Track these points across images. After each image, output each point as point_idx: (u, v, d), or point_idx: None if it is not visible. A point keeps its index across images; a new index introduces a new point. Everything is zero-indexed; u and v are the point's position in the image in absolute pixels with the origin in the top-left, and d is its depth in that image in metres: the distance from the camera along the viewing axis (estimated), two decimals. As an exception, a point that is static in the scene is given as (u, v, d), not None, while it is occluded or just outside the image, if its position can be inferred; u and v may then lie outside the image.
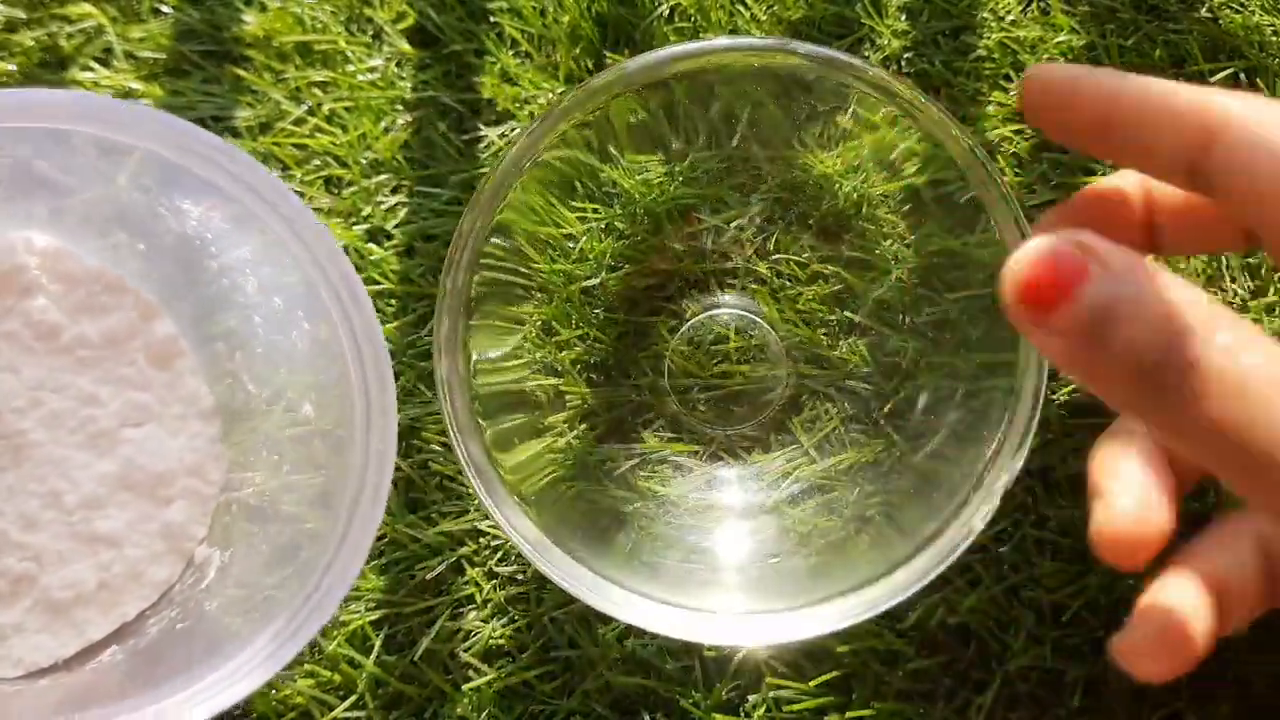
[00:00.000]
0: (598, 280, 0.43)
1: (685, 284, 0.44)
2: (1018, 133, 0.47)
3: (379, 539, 0.42)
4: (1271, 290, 0.45)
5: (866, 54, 0.48)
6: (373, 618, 0.41)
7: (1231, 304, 0.45)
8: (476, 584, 0.42)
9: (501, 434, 0.39)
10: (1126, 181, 0.32)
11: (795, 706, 0.41)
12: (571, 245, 0.42)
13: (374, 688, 0.41)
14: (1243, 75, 0.47)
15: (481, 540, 0.42)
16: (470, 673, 0.41)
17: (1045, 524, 0.42)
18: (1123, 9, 0.48)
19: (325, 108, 0.47)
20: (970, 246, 0.39)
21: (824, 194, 0.43)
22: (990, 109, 0.47)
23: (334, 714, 0.41)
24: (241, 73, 0.47)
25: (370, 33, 0.48)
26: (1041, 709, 0.41)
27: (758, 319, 0.44)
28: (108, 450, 0.37)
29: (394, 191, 0.46)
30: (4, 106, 0.31)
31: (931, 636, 0.41)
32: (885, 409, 0.42)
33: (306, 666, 0.41)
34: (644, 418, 0.43)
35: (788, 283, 0.44)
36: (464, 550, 0.42)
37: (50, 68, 0.47)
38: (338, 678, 0.41)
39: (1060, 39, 0.48)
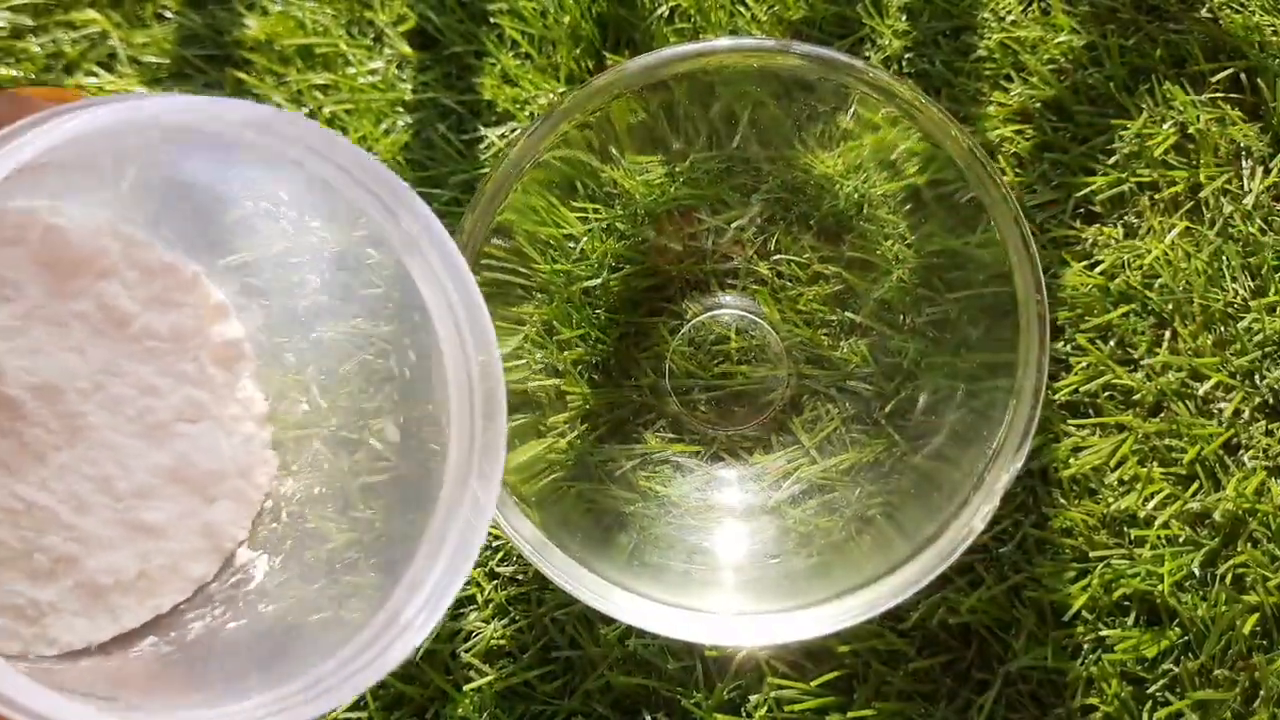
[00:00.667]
0: (599, 281, 0.43)
1: (686, 284, 0.44)
2: (1018, 133, 0.47)
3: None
4: (1272, 290, 0.45)
5: (867, 54, 0.48)
6: (374, 618, 0.42)
7: (1232, 304, 0.45)
8: (478, 584, 0.42)
9: (502, 434, 0.39)
10: None
11: (797, 706, 0.41)
12: (572, 246, 0.42)
13: (375, 688, 0.41)
14: (1243, 75, 0.47)
15: (483, 541, 0.43)
16: (471, 673, 0.41)
17: (1046, 524, 0.42)
18: (1123, 9, 0.48)
19: (326, 110, 0.47)
20: (971, 246, 0.39)
21: (824, 194, 0.43)
22: (991, 109, 0.47)
23: (334, 714, 0.41)
24: (243, 76, 0.47)
25: (371, 35, 0.48)
26: (1043, 709, 0.41)
27: (758, 319, 0.44)
28: (162, 442, 0.37)
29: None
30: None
31: (933, 636, 0.41)
32: (886, 409, 0.42)
33: (308, 667, 0.41)
34: (645, 418, 0.43)
35: (788, 283, 0.44)
36: (465, 551, 0.42)
37: (55, 73, 0.48)
38: (339, 678, 0.41)
39: (1061, 39, 0.48)
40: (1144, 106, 0.47)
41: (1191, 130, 0.46)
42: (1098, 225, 0.46)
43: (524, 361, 0.41)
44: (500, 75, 0.48)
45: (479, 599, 0.42)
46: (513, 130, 0.47)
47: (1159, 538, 0.42)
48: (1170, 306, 0.45)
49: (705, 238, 0.44)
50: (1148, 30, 0.48)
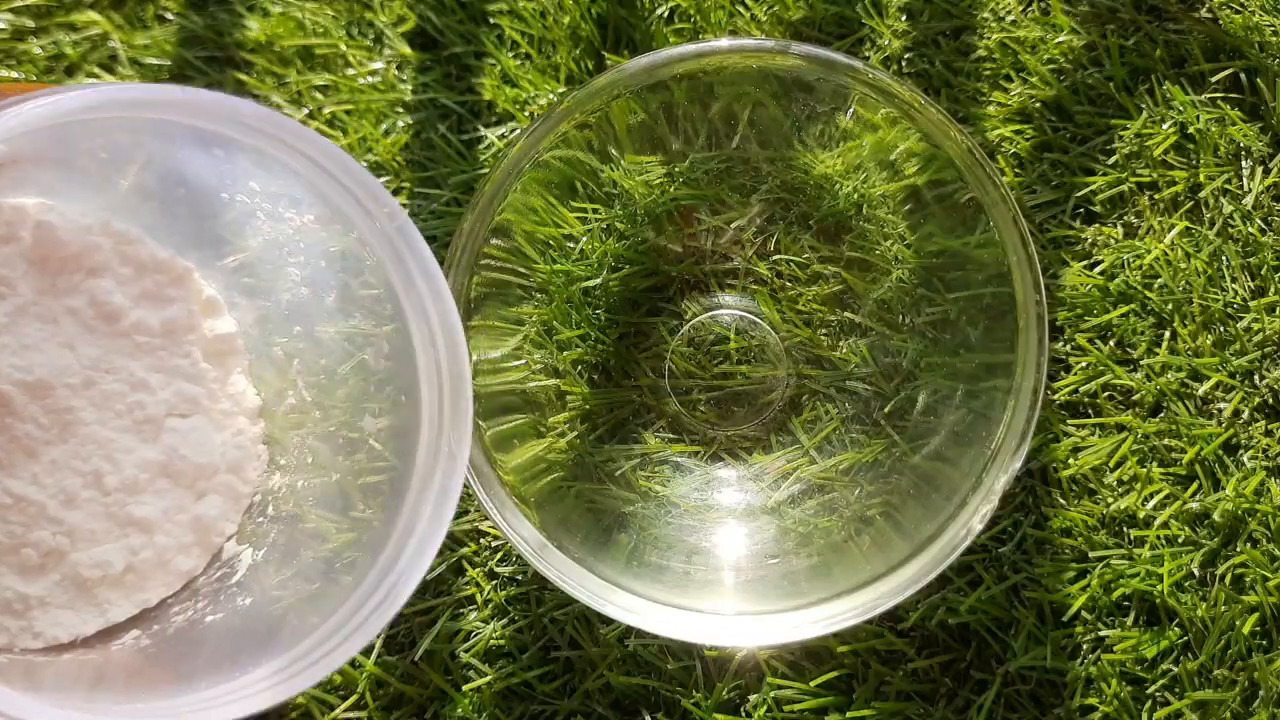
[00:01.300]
0: (598, 281, 0.43)
1: (686, 285, 0.44)
2: (1018, 133, 0.47)
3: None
4: (1272, 290, 0.45)
5: (867, 54, 0.48)
6: (374, 618, 0.42)
7: (1231, 304, 0.45)
8: (477, 584, 0.42)
9: (501, 435, 0.39)
10: None
11: (796, 706, 0.41)
12: (572, 246, 0.42)
13: (374, 688, 0.41)
14: (1243, 75, 0.47)
15: (482, 541, 0.43)
16: (471, 673, 0.41)
17: (1045, 524, 0.42)
18: (1123, 9, 0.48)
19: (326, 111, 0.47)
20: (970, 247, 0.39)
21: (824, 194, 0.43)
22: (990, 109, 0.47)
23: (334, 714, 0.41)
24: (244, 77, 0.47)
25: (371, 36, 0.48)
26: (1042, 709, 0.41)
27: (758, 320, 0.44)
28: (152, 437, 0.37)
29: (394, 193, 0.46)
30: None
31: (932, 637, 0.41)
32: (885, 409, 0.42)
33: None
34: (644, 418, 0.43)
35: (788, 283, 0.44)
36: (464, 551, 0.42)
37: (56, 75, 0.48)
38: (338, 678, 0.41)
39: (1061, 39, 0.48)
40: (1144, 106, 0.47)
41: (1191, 130, 0.46)
42: (1097, 225, 0.46)
43: (523, 362, 0.41)
44: (500, 76, 0.48)
45: (478, 599, 0.42)
46: (512, 131, 0.47)
47: (1158, 538, 0.42)
48: (1170, 306, 0.45)
49: (705, 238, 0.44)
50: (1147, 30, 0.48)
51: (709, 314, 0.44)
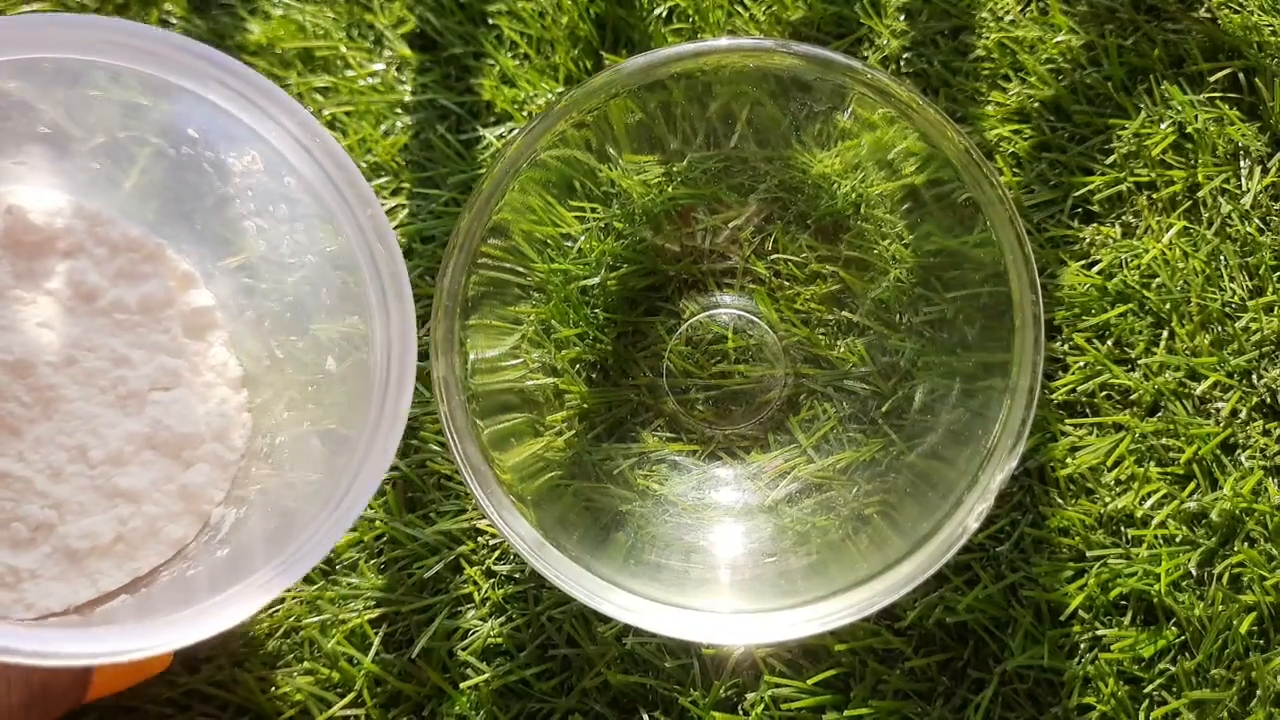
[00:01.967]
0: (596, 280, 0.43)
1: (683, 284, 0.44)
2: (1016, 132, 0.47)
3: (377, 538, 0.43)
4: (1269, 290, 0.45)
5: (865, 54, 0.48)
6: (371, 616, 0.42)
7: (1229, 303, 0.45)
8: (474, 583, 0.42)
9: (499, 434, 0.39)
10: None
11: (793, 705, 0.41)
12: (570, 245, 0.43)
13: (372, 685, 0.41)
14: (1241, 75, 0.47)
15: (479, 539, 0.43)
16: (468, 671, 0.41)
17: (1043, 523, 0.42)
18: (1122, 9, 0.48)
19: (326, 112, 0.47)
20: (968, 246, 0.39)
21: (822, 194, 0.43)
22: (989, 109, 0.47)
23: (332, 711, 0.41)
24: (244, 76, 0.48)
25: (371, 38, 0.49)
26: (1039, 708, 0.41)
27: (756, 319, 0.44)
28: (136, 411, 0.38)
29: (393, 194, 0.47)
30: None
31: (929, 635, 0.41)
32: (883, 408, 0.42)
33: (305, 664, 0.41)
34: (642, 417, 0.43)
35: (786, 282, 0.44)
36: (462, 549, 0.42)
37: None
38: (336, 675, 0.41)
39: (1059, 39, 0.48)
40: (1142, 106, 0.47)
41: (1189, 130, 0.46)
42: (1095, 225, 0.46)
43: (521, 360, 0.41)
44: (499, 76, 0.48)
45: (476, 597, 0.42)
46: (511, 130, 0.47)
47: (1156, 537, 0.42)
48: (1168, 306, 0.45)
49: (703, 237, 0.44)
50: (1146, 30, 0.48)
51: (707, 313, 0.44)
